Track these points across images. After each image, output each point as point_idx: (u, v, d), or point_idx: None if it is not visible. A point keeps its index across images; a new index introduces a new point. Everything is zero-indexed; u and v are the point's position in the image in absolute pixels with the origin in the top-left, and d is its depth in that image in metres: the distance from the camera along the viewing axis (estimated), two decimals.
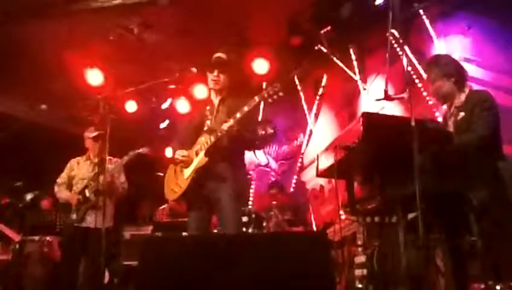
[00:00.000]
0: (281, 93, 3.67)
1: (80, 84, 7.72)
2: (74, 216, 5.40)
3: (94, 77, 7.74)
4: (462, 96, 3.69)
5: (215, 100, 4.17)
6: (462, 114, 3.59)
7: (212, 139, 3.86)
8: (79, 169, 5.66)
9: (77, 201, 5.42)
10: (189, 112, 4.33)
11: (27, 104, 8.55)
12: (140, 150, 5.53)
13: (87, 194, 5.43)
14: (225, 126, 3.77)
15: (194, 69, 4.23)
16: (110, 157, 5.66)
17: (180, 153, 3.99)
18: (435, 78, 3.74)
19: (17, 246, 6.66)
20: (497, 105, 3.58)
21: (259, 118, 8.99)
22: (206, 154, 3.87)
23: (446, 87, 3.71)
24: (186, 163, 3.98)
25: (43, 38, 7.04)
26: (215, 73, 4.08)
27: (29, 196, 7.37)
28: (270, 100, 3.70)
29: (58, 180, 5.68)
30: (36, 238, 6.72)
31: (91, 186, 5.44)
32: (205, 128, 4.04)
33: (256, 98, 3.72)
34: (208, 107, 4.16)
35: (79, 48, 7.22)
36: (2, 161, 8.38)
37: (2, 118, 8.60)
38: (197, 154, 3.94)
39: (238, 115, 3.76)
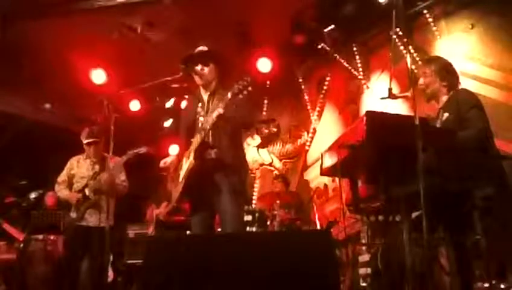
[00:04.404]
0: (250, 88, 3.54)
1: (83, 83, 7.74)
2: (74, 215, 5.42)
3: (98, 76, 7.75)
4: (446, 98, 3.75)
5: (205, 96, 4.10)
6: (446, 115, 3.63)
7: (199, 139, 3.79)
8: (79, 168, 5.65)
9: (77, 200, 5.43)
10: (188, 109, 4.26)
11: (31, 103, 8.56)
12: (139, 150, 5.47)
13: (87, 192, 5.44)
14: (214, 115, 3.66)
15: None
16: (110, 155, 5.68)
17: (162, 162, 4.15)
18: (429, 74, 3.80)
19: (22, 245, 6.70)
20: (480, 100, 3.64)
21: (263, 117, 9.02)
22: (194, 157, 3.79)
23: (435, 86, 3.79)
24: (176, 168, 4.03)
25: (47, 38, 7.05)
26: (199, 67, 4.01)
27: (33, 195, 7.38)
28: (240, 96, 3.56)
29: (59, 179, 5.68)
30: (40, 237, 6.75)
31: (91, 185, 5.46)
32: (199, 125, 3.98)
33: (229, 95, 3.59)
34: (199, 104, 4.09)
35: (83, 47, 7.23)
36: (6, 159, 8.41)
37: (6, 117, 8.62)
38: (189, 155, 3.88)
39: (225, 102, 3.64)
